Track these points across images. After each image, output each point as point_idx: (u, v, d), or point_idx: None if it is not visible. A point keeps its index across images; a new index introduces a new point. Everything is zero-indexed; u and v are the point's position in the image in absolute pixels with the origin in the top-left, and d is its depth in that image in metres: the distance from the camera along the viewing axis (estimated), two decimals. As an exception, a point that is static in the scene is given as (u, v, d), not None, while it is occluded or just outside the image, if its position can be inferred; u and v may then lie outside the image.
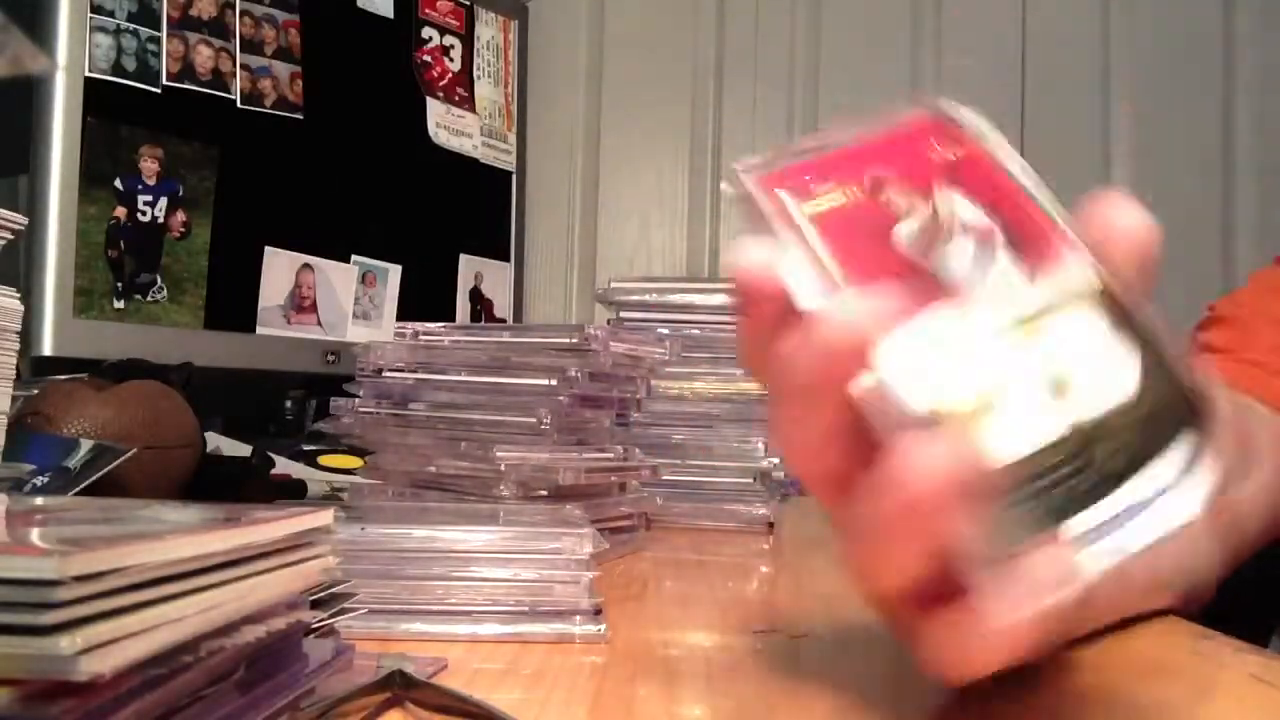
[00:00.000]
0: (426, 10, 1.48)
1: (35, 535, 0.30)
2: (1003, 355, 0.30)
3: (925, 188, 0.33)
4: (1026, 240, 0.32)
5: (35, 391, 0.68)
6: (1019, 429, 0.29)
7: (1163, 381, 0.30)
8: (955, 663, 0.28)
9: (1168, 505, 0.29)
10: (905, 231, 0.33)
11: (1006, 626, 0.26)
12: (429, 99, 1.47)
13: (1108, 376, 0.30)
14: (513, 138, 1.63)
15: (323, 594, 0.36)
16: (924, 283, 0.31)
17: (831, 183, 0.33)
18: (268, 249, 1.21)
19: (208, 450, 0.79)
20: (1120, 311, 0.31)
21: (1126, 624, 0.47)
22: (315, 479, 0.95)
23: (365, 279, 1.34)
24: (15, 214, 0.53)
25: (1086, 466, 0.29)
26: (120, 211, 1.05)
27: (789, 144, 0.34)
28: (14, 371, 0.55)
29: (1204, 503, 0.29)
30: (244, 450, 0.90)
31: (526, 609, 0.46)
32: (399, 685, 0.34)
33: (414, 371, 0.75)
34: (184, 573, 0.26)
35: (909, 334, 0.30)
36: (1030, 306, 0.31)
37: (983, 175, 0.34)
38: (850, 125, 0.34)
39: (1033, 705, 0.37)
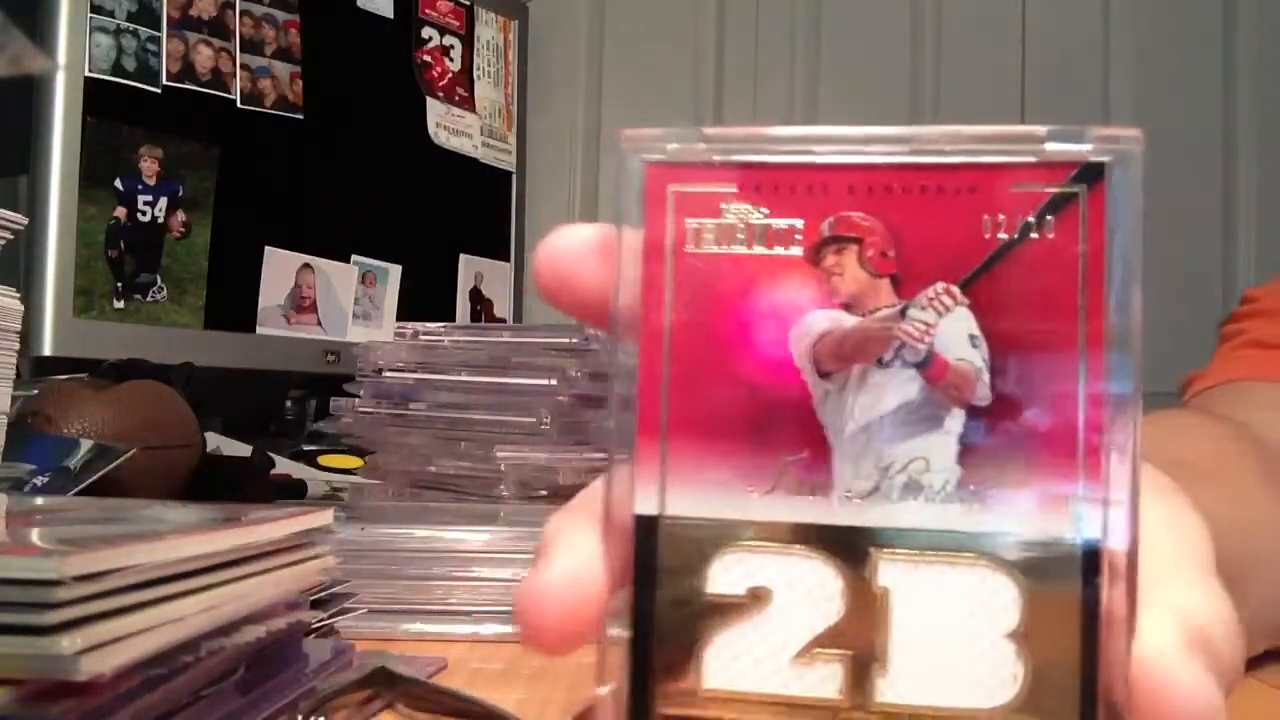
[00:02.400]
0: (426, 10, 1.48)
1: (35, 535, 0.30)
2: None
3: (920, 272, 0.22)
4: (1024, 436, 0.21)
5: (35, 391, 0.68)
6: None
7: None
8: None
9: None
10: (822, 326, 0.22)
11: None
12: (429, 99, 1.47)
13: (958, 668, 0.21)
14: (513, 138, 1.63)
15: (323, 594, 0.36)
16: (778, 416, 0.22)
17: (757, 209, 0.22)
18: (268, 249, 1.21)
19: (208, 450, 0.79)
20: (1060, 609, 0.21)
21: None
22: (315, 479, 0.95)
23: (365, 279, 1.34)
24: (15, 214, 0.53)
25: None
26: (120, 211, 1.05)
27: (745, 127, 0.23)
28: (14, 371, 0.55)
29: None
30: (244, 450, 0.90)
31: (526, 609, 0.46)
32: (382, 682, 0.34)
33: (414, 371, 0.75)
34: (184, 573, 0.26)
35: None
36: (915, 526, 0.21)
37: (1056, 300, 0.21)
38: (897, 136, 0.22)
39: None
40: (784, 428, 0.22)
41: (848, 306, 0.22)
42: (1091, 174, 0.21)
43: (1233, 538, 0.33)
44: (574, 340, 0.71)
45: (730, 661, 0.22)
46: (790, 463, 0.22)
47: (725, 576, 0.22)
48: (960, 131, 0.22)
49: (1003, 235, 0.22)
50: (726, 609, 0.22)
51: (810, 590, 0.22)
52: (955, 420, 0.22)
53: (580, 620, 0.23)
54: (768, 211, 0.23)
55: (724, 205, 0.23)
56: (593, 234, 0.24)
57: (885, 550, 0.21)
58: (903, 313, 0.22)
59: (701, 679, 0.22)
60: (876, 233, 0.22)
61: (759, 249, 0.23)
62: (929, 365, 0.22)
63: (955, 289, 0.22)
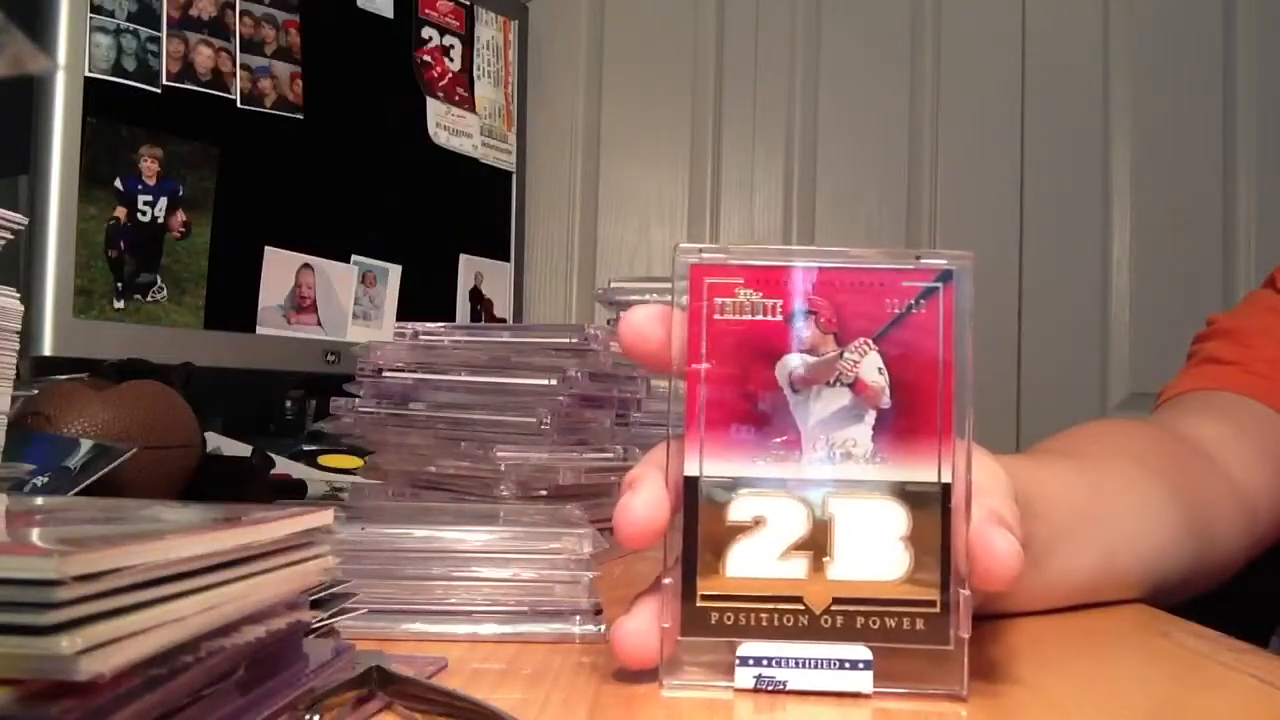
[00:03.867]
0: (426, 10, 1.48)
1: (35, 535, 0.30)
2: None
3: (851, 331, 0.37)
4: (909, 425, 0.37)
5: (35, 391, 0.68)
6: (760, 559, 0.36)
7: (929, 591, 0.36)
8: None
9: (842, 677, 0.36)
10: (794, 363, 0.37)
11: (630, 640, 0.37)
12: (429, 99, 1.47)
13: (873, 558, 0.36)
14: (513, 138, 1.63)
15: (323, 594, 0.36)
16: (769, 416, 0.37)
17: (756, 293, 0.37)
18: (268, 249, 1.21)
19: (208, 450, 0.79)
20: (929, 522, 0.36)
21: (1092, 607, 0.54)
22: (315, 479, 0.95)
23: (365, 279, 1.34)
24: (15, 214, 0.53)
25: (804, 614, 0.36)
26: (120, 211, 1.05)
27: (751, 244, 0.37)
28: (14, 371, 0.55)
29: (870, 687, 0.36)
30: (244, 450, 0.90)
31: (526, 609, 0.46)
32: (376, 682, 0.34)
33: (414, 371, 0.75)
34: (184, 573, 0.26)
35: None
36: (847, 478, 0.37)
37: (926, 347, 0.37)
38: (837, 252, 0.37)
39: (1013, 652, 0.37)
40: (773, 423, 0.37)
41: (809, 351, 0.37)
42: (946, 277, 0.37)
43: (1078, 494, 0.55)
44: (574, 340, 0.71)
45: (742, 559, 0.37)
46: (777, 443, 0.37)
47: (738, 509, 0.37)
48: (874, 251, 0.37)
49: (897, 310, 0.37)
50: (739, 529, 0.37)
51: (788, 516, 0.37)
52: (870, 417, 0.37)
53: (655, 530, 0.37)
54: (762, 294, 0.37)
55: (737, 290, 0.37)
56: (656, 310, 0.38)
57: (831, 492, 0.37)
58: (841, 355, 0.37)
59: (725, 570, 0.36)
60: (826, 308, 0.37)
61: (757, 317, 0.37)
62: (855, 385, 0.37)
63: (870, 341, 0.37)
